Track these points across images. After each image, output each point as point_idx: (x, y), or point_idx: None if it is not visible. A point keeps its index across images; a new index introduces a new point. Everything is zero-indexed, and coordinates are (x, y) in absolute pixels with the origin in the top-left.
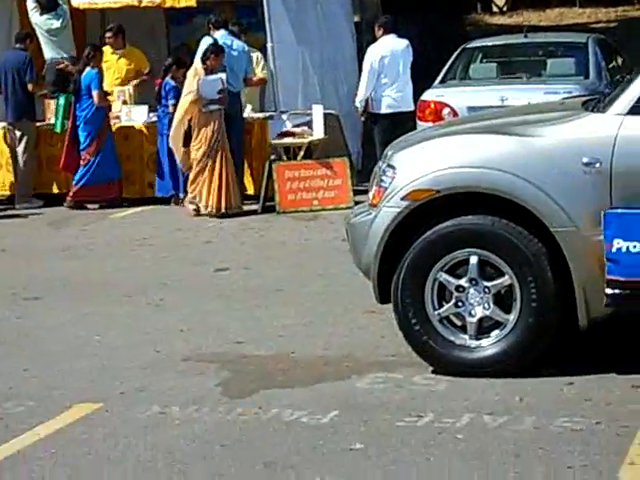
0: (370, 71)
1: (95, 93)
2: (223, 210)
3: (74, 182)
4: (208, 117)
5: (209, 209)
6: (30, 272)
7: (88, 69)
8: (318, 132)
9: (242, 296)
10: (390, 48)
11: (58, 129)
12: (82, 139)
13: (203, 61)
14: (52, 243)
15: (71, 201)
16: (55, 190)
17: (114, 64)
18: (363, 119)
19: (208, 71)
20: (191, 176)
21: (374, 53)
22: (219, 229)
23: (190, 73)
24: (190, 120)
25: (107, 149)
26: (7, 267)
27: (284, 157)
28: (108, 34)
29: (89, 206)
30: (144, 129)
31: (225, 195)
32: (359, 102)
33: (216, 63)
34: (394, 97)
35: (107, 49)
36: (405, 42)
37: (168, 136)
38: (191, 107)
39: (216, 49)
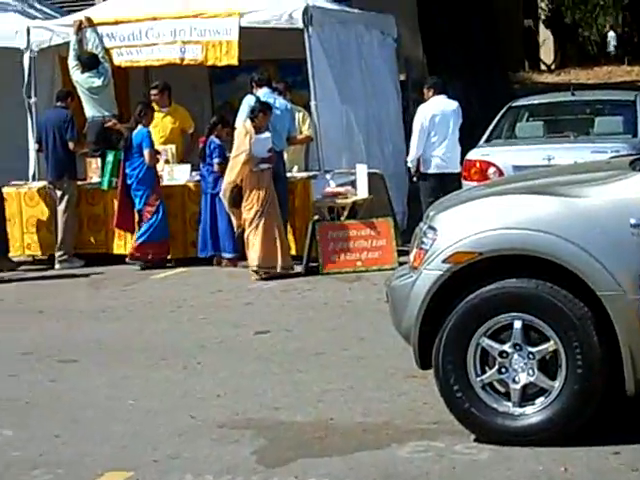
0: (421, 130)
1: (146, 152)
2: (278, 270)
3: (136, 238)
4: (259, 177)
5: (264, 269)
6: (67, 334)
7: (140, 127)
8: (362, 192)
9: (281, 359)
10: (441, 108)
11: (105, 186)
12: (137, 198)
13: (252, 119)
14: (91, 304)
15: (133, 257)
16: (96, 250)
17: (159, 122)
18: (415, 179)
19: (256, 129)
20: (245, 237)
21: (425, 112)
22: (260, 290)
23: (240, 132)
24: (240, 180)
25: (163, 207)
26: (44, 329)
27: (328, 217)
28: (154, 91)
29: (133, 267)
30: (187, 188)
31: (279, 254)
32: (411, 162)
33: (264, 121)
34: (442, 157)
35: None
36: (455, 104)
37: (212, 195)
38: (243, 168)
39: (264, 107)
